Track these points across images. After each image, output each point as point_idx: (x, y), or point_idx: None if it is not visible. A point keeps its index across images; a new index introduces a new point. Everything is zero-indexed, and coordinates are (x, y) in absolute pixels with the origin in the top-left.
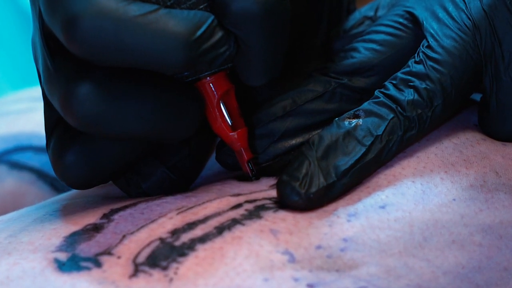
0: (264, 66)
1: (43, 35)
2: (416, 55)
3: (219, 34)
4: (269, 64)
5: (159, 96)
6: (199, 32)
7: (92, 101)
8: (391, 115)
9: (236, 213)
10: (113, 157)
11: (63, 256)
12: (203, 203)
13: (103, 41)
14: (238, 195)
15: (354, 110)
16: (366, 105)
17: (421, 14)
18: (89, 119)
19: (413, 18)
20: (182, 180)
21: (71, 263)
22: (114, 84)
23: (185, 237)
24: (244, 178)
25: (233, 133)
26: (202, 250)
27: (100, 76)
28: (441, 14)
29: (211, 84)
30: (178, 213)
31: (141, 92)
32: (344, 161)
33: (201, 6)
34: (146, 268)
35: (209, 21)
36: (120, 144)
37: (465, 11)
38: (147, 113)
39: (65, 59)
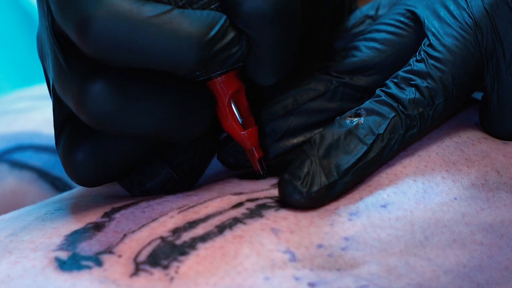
0: (275, 66)
1: (54, 33)
2: (417, 53)
3: (231, 34)
4: (279, 63)
5: (171, 95)
6: (212, 33)
7: (106, 99)
8: (393, 114)
9: (237, 212)
10: (122, 156)
11: (64, 255)
12: (205, 202)
13: (116, 42)
14: (240, 194)
15: (356, 108)
16: (367, 103)
17: (422, 12)
18: (102, 116)
19: (414, 16)
20: (185, 181)
21: (71, 262)
22: (128, 83)
23: (186, 236)
24: (246, 177)
25: (244, 132)
26: (203, 249)
27: (114, 74)
28: (443, 13)
29: (222, 84)
30: (179, 212)
31: (154, 90)
32: (346, 160)
33: (213, 6)
34: (147, 267)
35: (222, 21)
36: (130, 143)
37: (467, 9)
38: (160, 112)
39: (78, 56)
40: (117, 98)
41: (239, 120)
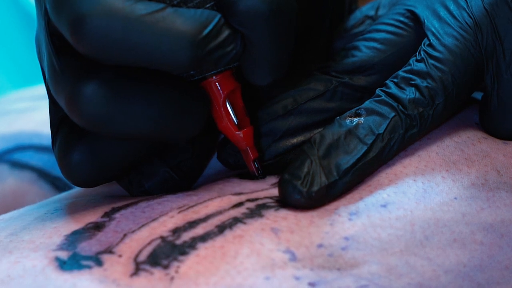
0: (270, 65)
1: (49, 33)
2: (417, 53)
3: (225, 33)
4: (275, 63)
5: (165, 96)
6: (206, 31)
7: (99, 101)
8: (393, 114)
9: (237, 212)
10: (119, 156)
11: (64, 255)
12: (205, 201)
13: (110, 40)
14: (240, 193)
15: (356, 108)
16: (367, 103)
17: (422, 12)
18: (95, 119)
19: (414, 16)
20: (184, 181)
21: (72, 262)
22: (121, 84)
23: (186, 236)
24: (246, 176)
25: (239, 132)
26: (203, 249)
27: (106, 76)
28: (442, 13)
29: (217, 83)
30: (179, 212)
31: (147, 91)
32: (346, 160)
33: (208, 5)
34: (147, 267)
35: (216, 19)
36: (126, 143)
37: (466, 9)
38: (154, 113)
39: (71, 58)
40: (110, 100)
41: (234, 120)
